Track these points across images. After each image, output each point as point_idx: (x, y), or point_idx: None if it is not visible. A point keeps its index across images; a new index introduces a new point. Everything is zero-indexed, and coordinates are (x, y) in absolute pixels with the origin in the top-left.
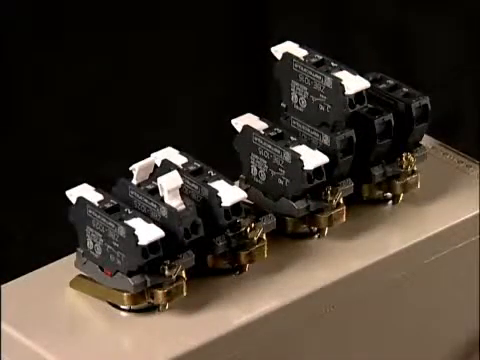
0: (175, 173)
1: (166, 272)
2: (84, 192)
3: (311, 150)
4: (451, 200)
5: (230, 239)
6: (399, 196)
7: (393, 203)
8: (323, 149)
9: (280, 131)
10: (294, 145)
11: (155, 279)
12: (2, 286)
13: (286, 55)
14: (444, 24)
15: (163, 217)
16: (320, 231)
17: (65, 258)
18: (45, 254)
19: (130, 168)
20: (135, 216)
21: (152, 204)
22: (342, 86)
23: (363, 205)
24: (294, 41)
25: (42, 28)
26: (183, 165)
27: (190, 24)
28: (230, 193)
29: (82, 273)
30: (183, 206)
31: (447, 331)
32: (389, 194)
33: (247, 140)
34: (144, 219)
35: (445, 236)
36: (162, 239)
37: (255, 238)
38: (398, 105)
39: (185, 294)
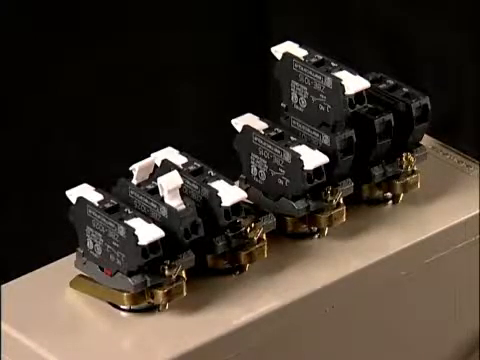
0: (175, 173)
1: (166, 272)
2: (84, 192)
3: (311, 150)
4: (451, 200)
5: (230, 239)
6: (399, 196)
7: (393, 203)
8: (323, 149)
9: (280, 131)
10: (294, 145)
11: (155, 279)
12: (2, 286)
13: (286, 55)
14: (444, 24)
15: (163, 217)
16: (320, 231)
17: (65, 258)
18: (45, 254)
19: (130, 168)
20: (135, 216)
21: (152, 204)
22: (342, 86)
23: (363, 205)
24: (294, 41)
25: (42, 28)
26: (183, 165)
27: (190, 24)
28: (230, 193)
29: (82, 273)
30: (183, 206)
31: (447, 331)
32: (389, 194)
33: (247, 140)
34: (144, 219)
35: (445, 236)
36: (162, 239)
37: (255, 238)
38: (398, 105)
39: (185, 294)
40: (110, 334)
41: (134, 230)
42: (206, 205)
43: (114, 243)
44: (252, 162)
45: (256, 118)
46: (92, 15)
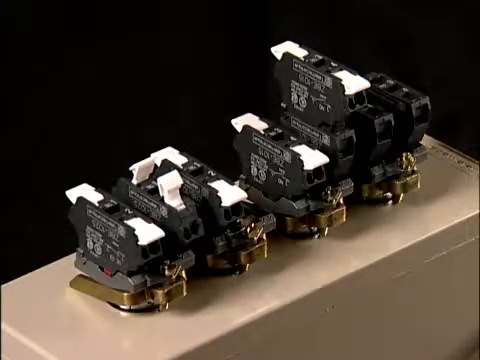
0: (175, 173)
1: (166, 272)
2: (84, 192)
3: (311, 150)
4: (451, 200)
5: (230, 239)
6: (399, 196)
7: (393, 203)
8: (323, 149)
9: (280, 131)
10: (294, 145)
11: (155, 279)
12: (2, 286)
13: (286, 55)
14: (444, 24)
15: (163, 217)
16: (320, 231)
17: (65, 258)
18: (45, 254)
19: (130, 168)
20: (135, 216)
21: (152, 204)
22: (342, 86)
23: (363, 205)
24: (294, 41)
25: (42, 28)
26: (183, 165)
27: (190, 24)
28: (230, 193)
29: (82, 273)
30: (183, 206)
31: (447, 331)
32: (389, 194)
33: (247, 140)
34: (144, 219)
35: (445, 236)
36: (162, 239)
37: (255, 238)
38: (398, 105)
39: (185, 294)
40: (110, 334)
41: (134, 230)
42: (206, 205)
43: (114, 243)
44: (252, 162)
45: (256, 118)
46: (92, 15)
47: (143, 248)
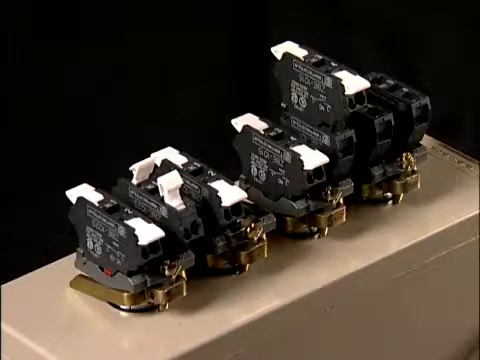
0: (175, 173)
1: (166, 272)
2: (84, 192)
3: (311, 150)
4: (451, 200)
5: (230, 239)
6: (399, 196)
7: (393, 203)
8: (323, 149)
9: (280, 131)
10: (294, 145)
11: (155, 279)
12: (2, 286)
13: (286, 55)
14: (444, 24)
15: (163, 217)
16: (320, 231)
17: (65, 258)
18: (45, 254)
19: (130, 168)
20: (135, 216)
21: (152, 204)
22: (342, 86)
23: (363, 205)
24: (294, 41)
25: (42, 28)
26: (183, 165)
27: (190, 24)
28: (230, 193)
29: (82, 273)
30: (183, 206)
31: (447, 331)
32: (389, 194)
33: (247, 140)
34: (144, 219)
35: (445, 236)
36: (162, 239)
37: (255, 238)
38: (398, 105)
39: (185, 294)
40: (110, 334)
41: (134, 230)
42: (206, 205)
43: (114, 243)
44: (252, 162)
45: (256, 118)
46: (92, 15)
47: (143, 248)
